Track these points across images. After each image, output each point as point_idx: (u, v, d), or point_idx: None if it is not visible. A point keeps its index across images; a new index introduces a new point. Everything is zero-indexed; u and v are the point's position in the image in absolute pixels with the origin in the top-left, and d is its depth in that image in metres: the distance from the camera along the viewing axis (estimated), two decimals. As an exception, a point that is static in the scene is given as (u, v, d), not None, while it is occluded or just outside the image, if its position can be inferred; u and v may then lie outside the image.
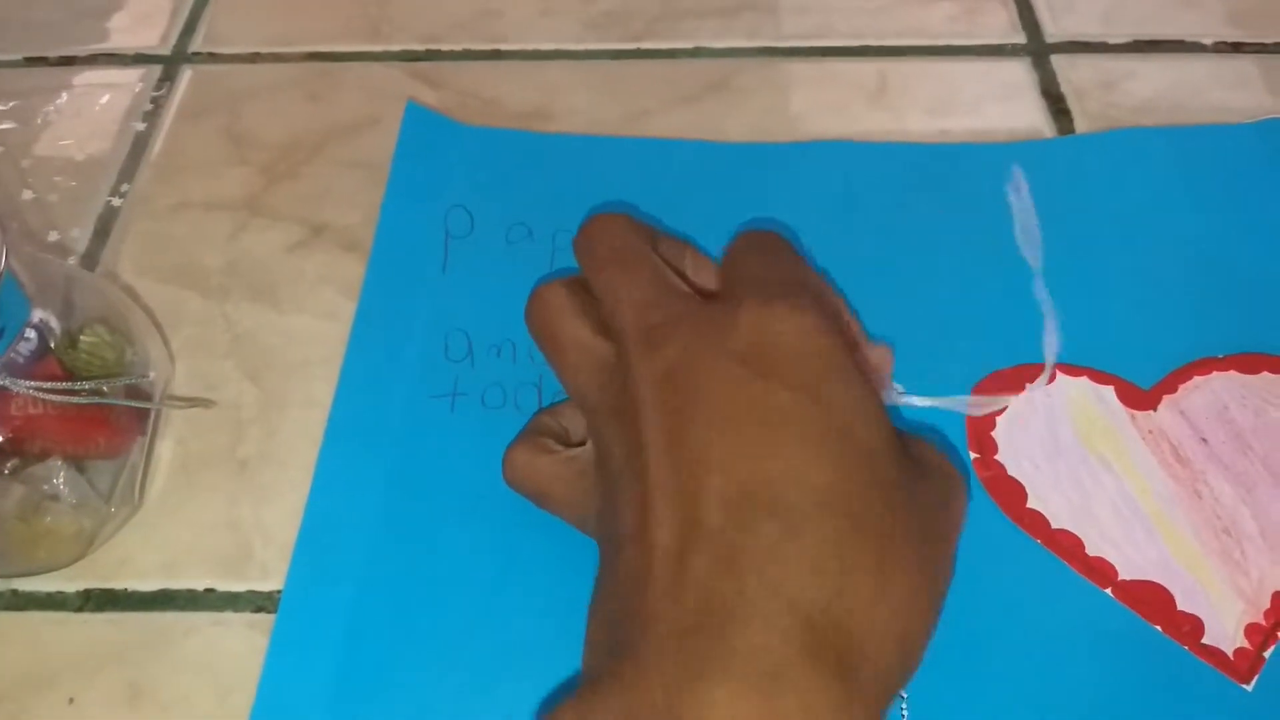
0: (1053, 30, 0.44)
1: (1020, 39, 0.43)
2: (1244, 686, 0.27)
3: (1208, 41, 0.43)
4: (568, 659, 0.25)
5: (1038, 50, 0.43)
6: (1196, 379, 0.32)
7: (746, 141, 0.39)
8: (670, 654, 0.20)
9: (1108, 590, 0.29)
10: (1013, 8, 0.45)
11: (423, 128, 0.39)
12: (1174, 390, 0.32)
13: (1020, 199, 0.36)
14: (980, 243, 0.36)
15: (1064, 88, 0.41)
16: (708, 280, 0.29)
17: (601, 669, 0.21)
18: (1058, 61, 0.42)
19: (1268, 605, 0.28)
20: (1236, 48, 0.43)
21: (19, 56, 0.44)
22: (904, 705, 0.28)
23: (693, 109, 0.41)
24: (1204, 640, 0.28)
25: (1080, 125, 0.40)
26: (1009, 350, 0.33)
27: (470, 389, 0.32)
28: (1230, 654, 0.27)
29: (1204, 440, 0.31)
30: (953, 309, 0.34)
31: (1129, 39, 0.43)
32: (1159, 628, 0.28)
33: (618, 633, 0.21)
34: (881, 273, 0.35)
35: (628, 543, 0.22)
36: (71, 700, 0.28)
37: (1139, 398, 0.32)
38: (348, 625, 0.28)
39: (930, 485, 0.24)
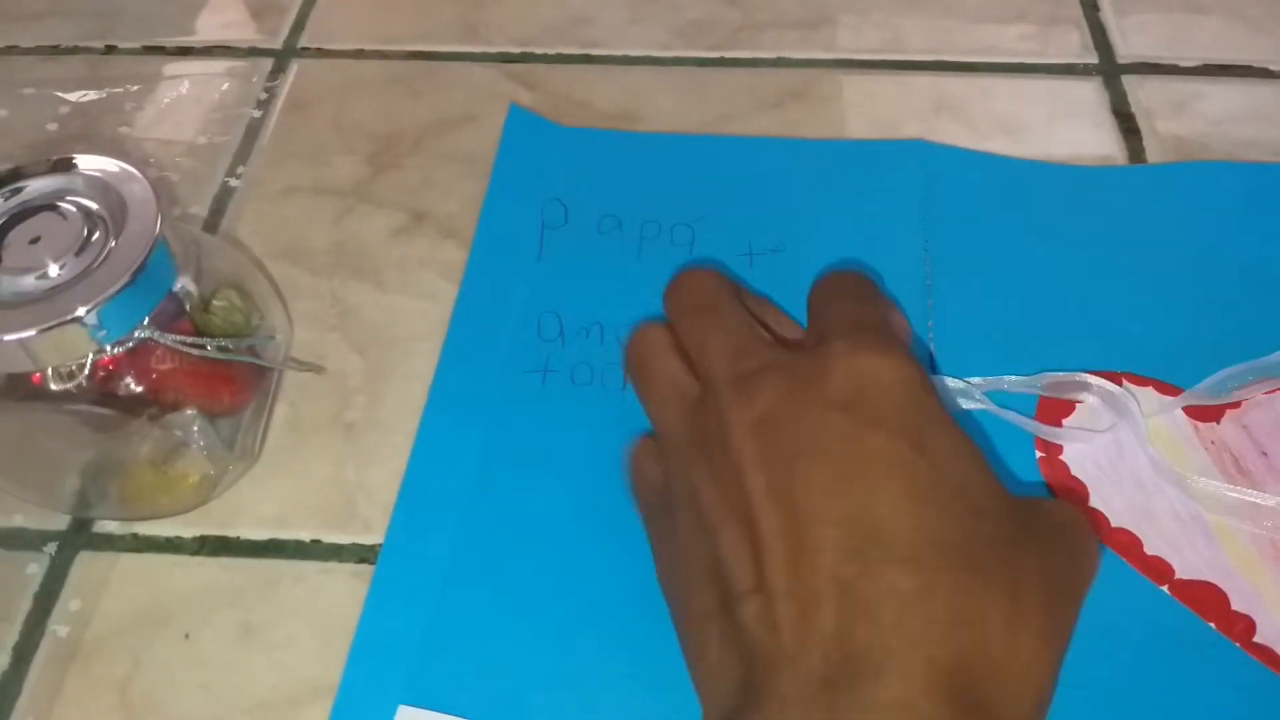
0: (1124, 51, 0.45)
1: (1092, 59, 0.45)
2: None
3: (1276, 68, 0.44)
4: (647, 617, 0.27)
5: (1109, 70, 0.44)
6: (1260, 396, 0.33)
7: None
8: (817, 704, 0.20)
9: (1164, 588, 0.30)
10: (1085, 28, 0.46)
11: (523, 127, 0.42)
12: (1237, 405, 0.33)
13: None
14: (1046, 255, 0.37)
15: (1134, 108, 0.43)
16: (789, 334, 0.31)
17: (737, 707, 0.21)
18: (1129, 82, 0.44)
19: (1316, 610, 0.29)
20: (1305, 75, 0.44)
21: (138, 45, 0.48)
22: None
23: (773, 117, 0.43)
24: (1255, 639, 0.29)
25: (1149, 145, 0.41)
26: (1070, 359, 0.34)
27: (560, 366, 0.34)
28: None
29: (1264, 454, 0.32)
30: (1017, 315, 0.35)
31: (1199, 62, 0.44)
32: (1213, 625, 0.29)
33: (748, 673, 0.22)
34: (953, 274, 0.36)
35: (746, 595, 0.22)
36: (187, 636, 0.30)
37: (1203, 410, 0.33)
38: (442, 578, 0.30)
39: (1054, 544, 0.24)
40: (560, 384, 0.34)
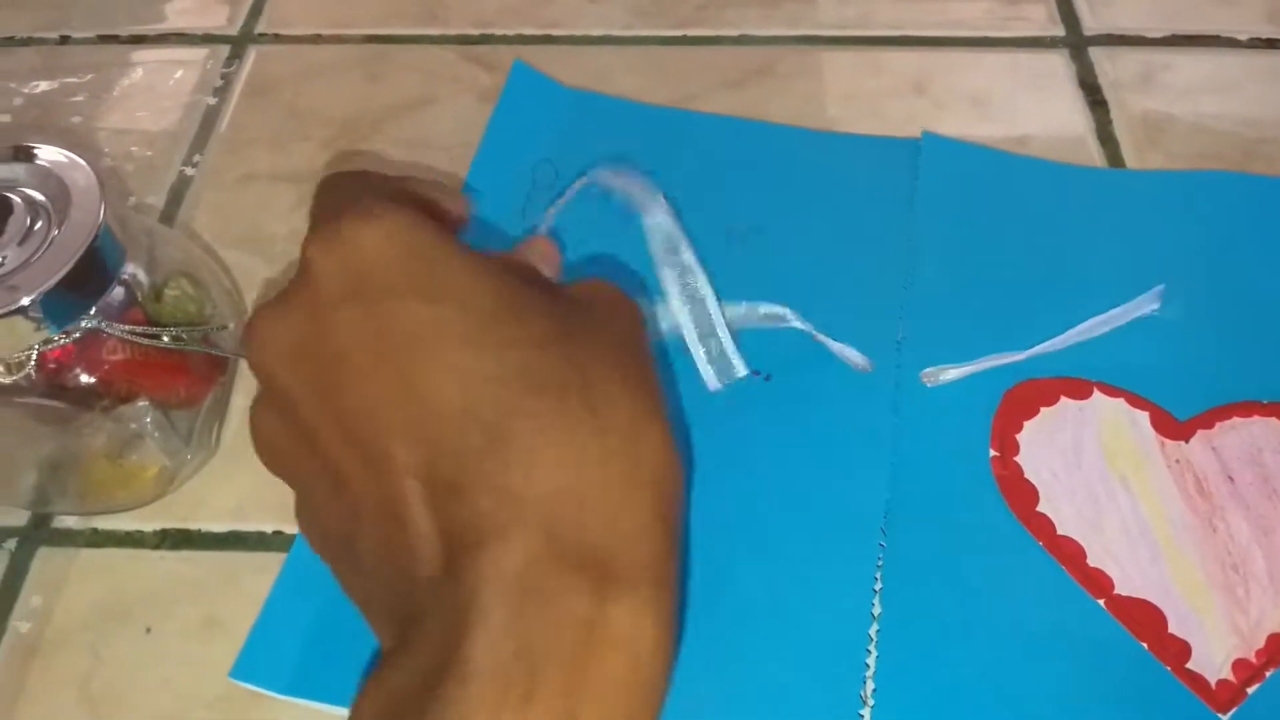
0: (1091, 23, 0.45)
1: (1059, 31, 0.44)
2: (1220, 716, 0.27)
3: (1243, 37, 0.44)
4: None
5: (1076, 43, 0.44)
6: (1236, 419, 0.32)
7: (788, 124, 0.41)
8: (455, 627, 0.19)
9: (1101, 601, 0.29)
10: (1051, 1, 0.46)
11: (526, 84, 0.42)
12: (1210, 426, 0.32)
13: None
14: (1035, 256, 0.36)
15: (1101, 79, 0.42)
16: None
17: (400, 648, 0.20)
18: (1095, 54, 0.43)
19: (1261, 645, 0.28)
20: (1271, 44, 0.44)
21: (92, 34, 0.47)
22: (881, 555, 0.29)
23: (736, 94, 0.42)
24: (1188, 665, 0.28)
25: (1116, 116, 0.41)
26: (1043, 364, 0.33)
27: None
28: (1213, 683, 0.27)
29: (1230, 478, 0.31)
30: (995, 313, 0.35)
31: (1166, 33, 0.44)
32: (1146, 645, 0.28)
33: (401, 608, 0.21)
34: (938, 266, 0.36)
35: (349, 535, 0.22)
36: (149, 630, 0.30)
37: (1173, 427, 0.32)
38: None
39: (602, 316, 0.23)
40: None
